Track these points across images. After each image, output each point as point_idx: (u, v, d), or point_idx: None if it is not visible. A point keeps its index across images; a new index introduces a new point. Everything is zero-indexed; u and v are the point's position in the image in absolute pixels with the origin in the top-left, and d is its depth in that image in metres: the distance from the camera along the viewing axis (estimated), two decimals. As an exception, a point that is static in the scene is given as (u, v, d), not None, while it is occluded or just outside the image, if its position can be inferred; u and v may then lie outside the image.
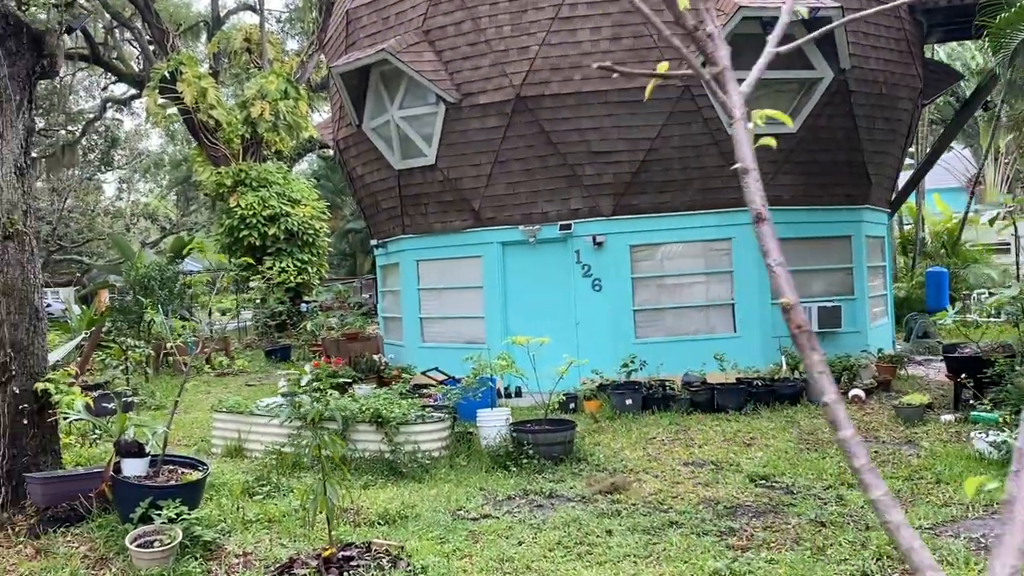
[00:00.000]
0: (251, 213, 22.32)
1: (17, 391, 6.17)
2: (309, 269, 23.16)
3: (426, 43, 12.95)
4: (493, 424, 8.80)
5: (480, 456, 8.51)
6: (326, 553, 5.36)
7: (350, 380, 13.47)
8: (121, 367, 14.05)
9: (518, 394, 12.38)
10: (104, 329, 16.60)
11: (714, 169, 12.32)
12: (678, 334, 12.63)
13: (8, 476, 6.04)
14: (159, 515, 5.53)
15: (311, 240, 23.51)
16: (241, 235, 22.38)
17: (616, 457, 8.48)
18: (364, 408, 8.34)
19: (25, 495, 6.04)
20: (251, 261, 22.32)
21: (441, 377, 11.60)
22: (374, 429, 8.36)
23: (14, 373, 6.16)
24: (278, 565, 5.42)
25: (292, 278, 22.35)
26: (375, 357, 14.40)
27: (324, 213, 24.58)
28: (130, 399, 8.49)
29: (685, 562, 5.45)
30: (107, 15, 29.45)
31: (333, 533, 5.51)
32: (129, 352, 13.96)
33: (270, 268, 22.01)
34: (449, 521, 6.52)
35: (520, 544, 5.95)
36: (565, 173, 12.56)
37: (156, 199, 50.84)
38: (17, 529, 5.80)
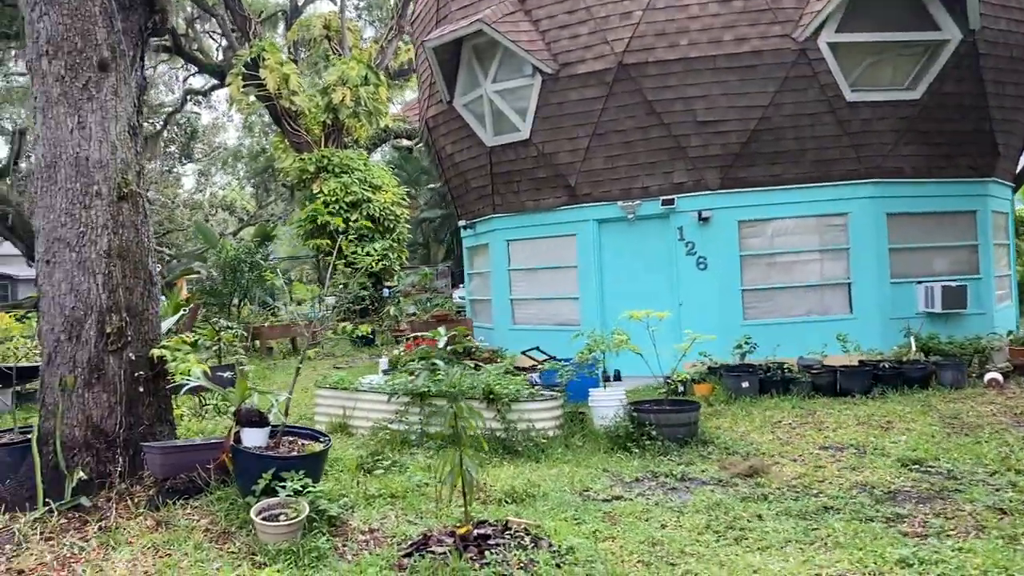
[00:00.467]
0: (333, 199, 22.23)
1: (133, 357, 5.92)
2: (390, 255, 23.00)
3: (522, 12, 12.49)
4: (608, 404, 8.31)
5: (595, 437, 8.03)
6: (461, 531, 4.95)
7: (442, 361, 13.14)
8: (214, 347, 14.00)
9: (617, 378, 11.83)
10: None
11: (830, 139, 11.57)
12: (790, 316, 11.92)
13: (125, 445, 5.80)
14: (283, 487, 5.21)
15: (391, 226, 23.34)
16: (323, 221, 22.33)
17: (744, 440, 7.90)
18: (475, 384, 7.94)
19: (142, 465, 5.79)
20: (327, 243, 22.29)
21: (542, 357, 11.13)
22: (485, 406, 7.95)
23: (130, 338, 5.92)
24: (411, 542, 5.03)
25: (374, 264, 22.21)
26: (466, 340, 14.04)
27: (404, 199, 24.39)
28: (246, 367, 8.26)
29: (859, 549, 4.87)
30: (188, 7, 29.87)
31: (467, 510, 5.10)
32: (222, 333, 13.89)
33: (354, 252, 21.89)
34: (579, 502, 6.06)
35: (664, 527, 5.46)
36: (668, 145, 11.96)
37: (233, 191, 51.76)
38: (136, 500, 5.55)
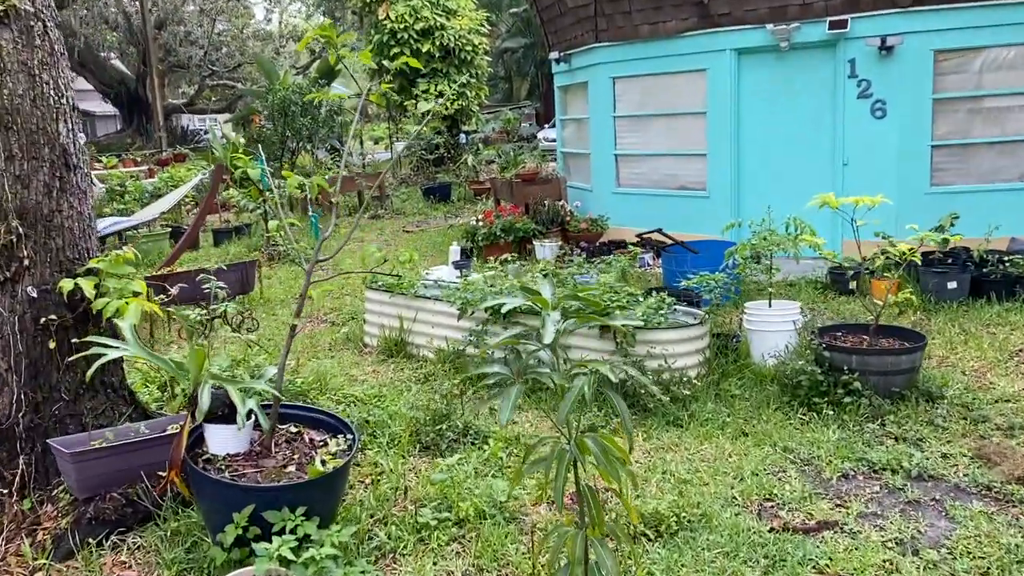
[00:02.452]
0: (402, 27, 19.22)
1: (34, 295, 3.60)
2: (467, 93, 20.07)
3: None
4: (776, 326, 5.72)
5: (758, 380, 5.52)
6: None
7: (528, 233, 10.66)
8: (259, 209, 11.81)
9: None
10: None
11: (1093, -73, 8.02)
12: (997, 180, 8.83)
13: (28, 439, 3.59)
14: (266, 547, 2.92)
15: (469, 58, 20.26)
16: (392, 53, 19.41)
17: (987, 389, 5.27)
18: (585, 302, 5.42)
19: (58, 472, 3.60)
20: (396, 76, 19.44)
21: (663, 241, 8.44)
22: (597, 335, 5.48)
23: (26, 263, 3.58)
24: None
25: (449, 104, 19.38)
26: (558, 204, 11.43)
27: (482, 26, 21.09)
28: (244, 315, 5.91)
29: None
30: None
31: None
32: (268, 193, 11.63)
33: (425, 91, 19.08)
34: (764, 536, 3.63)
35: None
36: (847, -58, 8.60)
37: (304, 20, 48.52)
38: (40, 537, 3.39)
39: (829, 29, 8.94)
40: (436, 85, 19.49)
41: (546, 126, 29.21)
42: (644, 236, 8.19)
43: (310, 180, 3.84)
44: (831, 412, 4.92)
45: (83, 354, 3.32)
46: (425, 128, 19.45)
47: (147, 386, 5.24)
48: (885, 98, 8.96)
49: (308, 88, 15.51)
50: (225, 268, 6.01)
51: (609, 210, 11.11)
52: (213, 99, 48.03)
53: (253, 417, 3.27)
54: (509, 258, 8.27)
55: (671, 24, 10.09)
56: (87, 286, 3.51)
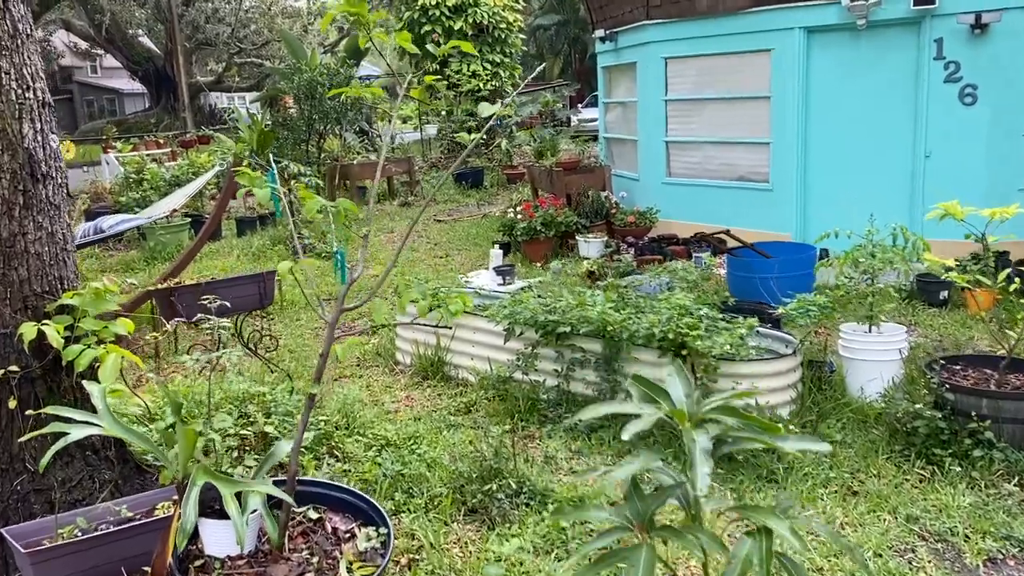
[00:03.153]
0: (434, 3, 18.35)
1: (-13, 340, 2.87)
2: (501, 73, 19.17)
3: None
4: (879, 355, 4.88)
5: (860, 420, 4.69)
6: None
7: (571, 228, 9.84)
8: (288, 199, 11.08)
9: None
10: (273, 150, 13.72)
11: None
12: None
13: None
14: None
15: (503, 36, 19.35)
16: (423, 31, 18.57)
17: None
18: (650, 324, 4.61)
19: (16, 566, 2.88)
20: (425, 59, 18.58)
21: (729, 243, 7.58)
22: (668, 359, 4.67)
23: (-21, 301, 2.84)
24: None
25: (482, 84, 18.50)
26: (602, 196, 10.58)
27: (516, 1, 20.14)
28: (260, 333, 5.14)
29: None
30: None
31: None
32: (293, 183, 10.90)
33: (457, 71, 18.23)
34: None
35: None
36: (941, -95, 7.61)
37: (332, -3, 47.57)
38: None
39: (914, 5, 7.97)
40: (468, 65, 18.62)
41: (579, 106, 28.29)
42: (709, 236, 7.32)
43: (336, 204, 3.05)
44: (957, 468, 4.09)
45: (41, 431, 2.57)
46: (456, 110, 18.63)
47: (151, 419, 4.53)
48: (976, 82, 7.99)
49: (336, 68, 14.69)
50: (241, 279, 5.27)
51: (658, 202, 10.25)
52: (241, 77, 47.47)
53: (259, 510, 2.51)
54: (553, 263, 7.48)
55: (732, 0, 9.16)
56: (53, 333, 2.77)
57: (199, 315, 5.15)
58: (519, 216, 10.08)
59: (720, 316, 4.84)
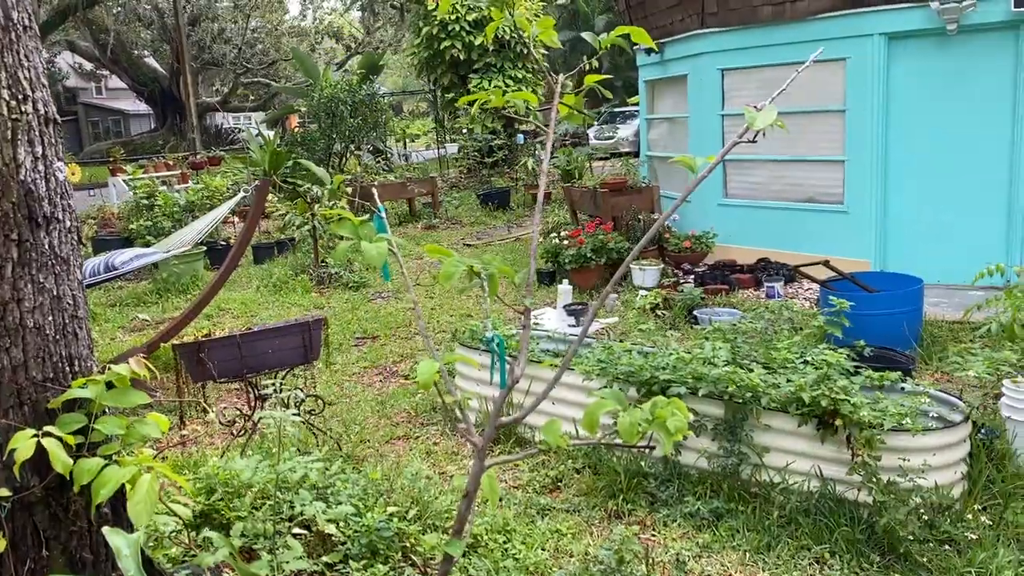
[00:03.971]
0: (453, 18, 17.64)
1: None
2: (523, 89, 18.41)
3: None
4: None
5: (1045, 500, 3.82)
6: None
7: (623, 254, 9.01)
8: (307, 225, 10.28)
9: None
10: (285, 170, 12.93)
11: None
12: None
13: None
14: None
15: (524, 51, 18.61)
16: (442, 47, 17.87)
17: None
18: (798, 387, 3.75)
19: None
20: (447, 74, 17.85)
21: (823, 274, 6.69)
22: (810, 430, 3.81)
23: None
24: None
25: (505, 102, 17.71)
26: (653, 218, 9.75)
27: (538, 16, 19.43)
28: (304, 394, 4.27)
29: None
30: None
31: None
32: (318, 206, 10.09)
33: (478, 86, 17.49)
34: None
35: None
36: None
37: (339, 15, 47.18)
38: None
39: (1015, 7, 7.17)
40: (490, 80, 17.88)
41: (595, 123, 27.55)
42: (800, 269, 6.46)
43: (487, 265, 2.22)
44: None
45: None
46: (478, 128, 17.88)
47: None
48: (1085, 92, 7.18)
49: (357, 85, 13.92)
50: (283, 329, 4.42)
51: (714, 225, 9.42)
52: (248, 97, 46.95)
53: None
54: (610, 295, 6.64)
55: (802, 4, 8.36)
56: (56, 449, 1.93)
57: (234, 374, 4.32)
58: (565, 242, 9.25)
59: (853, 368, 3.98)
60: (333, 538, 3.24)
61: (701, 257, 9.29)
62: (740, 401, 3.92)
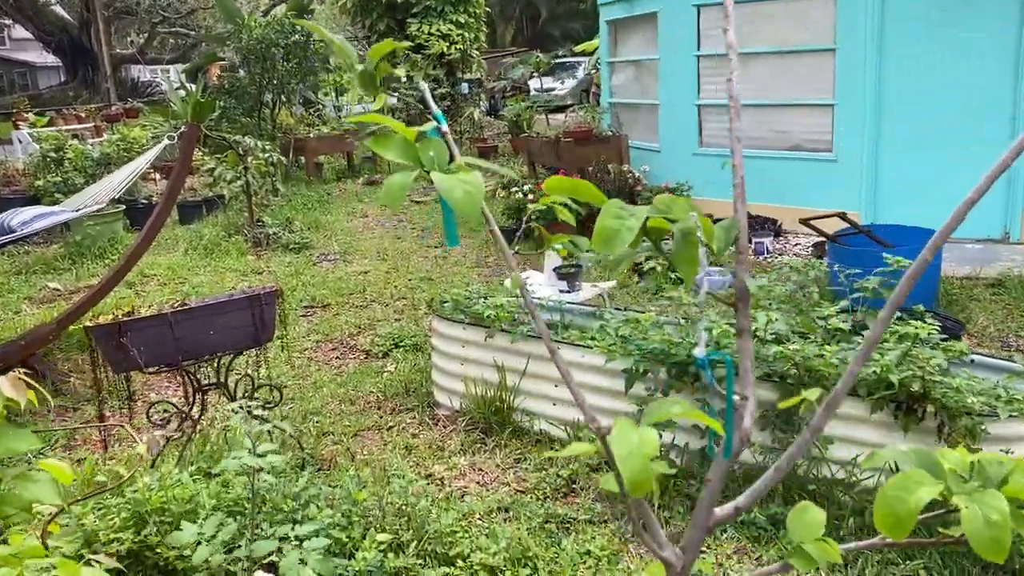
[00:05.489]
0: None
1: None
2: (466, 35, 17.34)
3: None
4: None
5: None
6: None
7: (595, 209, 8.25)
8: (239, 180, 9.21)
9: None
10: (210, 121, 11.74)
11: None
12: None
13: None
14: None
15: (466, -5, 17.51)
16: (377, -11, 16.67)
17: None
18: (883, 368, 3.06)
19: None
20: (382, 19, 16.68)
21: (833, 227, 6.02)
22: (890, 418, 3.15)
23: None
24: None
25: (448, 48, 16.65)
26: (624, 170, 9.01)
27: (480, -42, 18.27)
28: (255, 380, 3.41)
29: None
30: None
31: None
32: (251, 157, 9.03)
33: (419, 30, 16.36)
34: None
35: None
36: None
37: (262, -40, 44.68)
38: None
39: (1027, -68, 6.57)
40: (431, 25, 16.75)
41: (535, 74, 26.58)
42: (810, 223, 5.79)
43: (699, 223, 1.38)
44: None
45: None
46: (419, 76, 16.78)
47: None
48: (1097, 27, 6.65)
49: (291, 26, 12.69)
50: (227, 304, 3.53)
51: (688, 176, 8.72)
52: (165, 48, 44.29)
53: None
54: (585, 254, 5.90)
55: (789, -69, 7.63)
56: None
57: (166, 361, 3.44)
58: (530, 196, 8.44)
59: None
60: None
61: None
62: (801, 384, 3.22)
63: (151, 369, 3.47)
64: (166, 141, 5.90)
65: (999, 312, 5.48)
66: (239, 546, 2.58)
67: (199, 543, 2.20)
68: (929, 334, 3.16)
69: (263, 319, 3.52)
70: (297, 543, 2.53)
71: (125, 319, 3.37)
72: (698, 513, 1.27)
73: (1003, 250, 6.93)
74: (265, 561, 2.51)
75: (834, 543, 1.22)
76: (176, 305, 3.59)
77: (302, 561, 2.32)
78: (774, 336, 3.41)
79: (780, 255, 7.42)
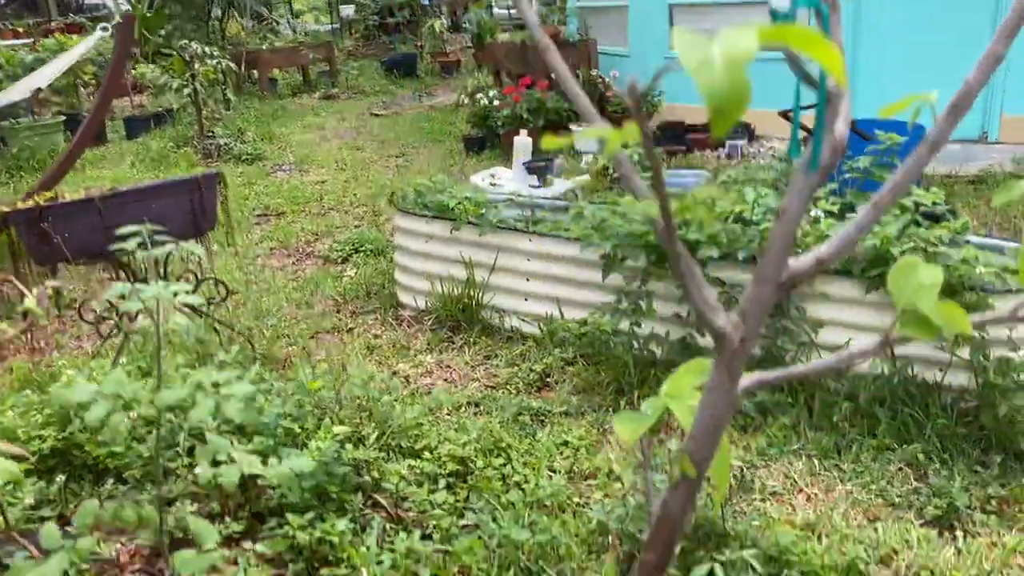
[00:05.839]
0: None
1: None
2: (425, -58, 16.55)
3: None
4: None
5: None
6: None
7: (561, 117, 7.91)
8: (187, 87, 8.66)
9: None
10: (159, 36, 11.08)
11: None
12: None
13: None
14: None
15: None
16: None
17: None
18: (883, 240, 2.83)
19: None
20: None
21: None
22: (884, 299, 2.93)
23: None
24: None
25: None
26: (594, 75, 8.63)
27: None
28: (197, 275, 3.08)
29: None
30: None
31: None
32: (199, 64, 8.49)
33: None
34: None
35: None
36: None
37: None
38: None
39: None
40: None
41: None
42: (788, 113, 5.51)
43: None
44: None
45: None
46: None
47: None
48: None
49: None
50: (161, 187, 3.18)
51: (660, 81, 8.35)
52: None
53: None
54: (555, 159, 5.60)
55: None
56: None
57: (96, 251, 3.10)
58: (496, 102, 8.06)
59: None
60: (259, 481, 2.18)
61: (647, 117, 8.27)
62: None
63: (80, 261, 3.13)
64: (99, 32, 5.42)
65: (982, 207, 5.33)
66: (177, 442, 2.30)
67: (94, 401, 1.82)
68: (934, 203, 2.93)
69: (203, 205, 3.18)
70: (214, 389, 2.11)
71: (47, 204, 3.01)
72: (765, 263, 0.98)
73: (981, 150, 6.75)
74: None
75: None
76: (106, 191, 3.24)
77: (217, 408, 1.90)
78: (764, 212, 3.16)
79: (754, 159, 7.17)
